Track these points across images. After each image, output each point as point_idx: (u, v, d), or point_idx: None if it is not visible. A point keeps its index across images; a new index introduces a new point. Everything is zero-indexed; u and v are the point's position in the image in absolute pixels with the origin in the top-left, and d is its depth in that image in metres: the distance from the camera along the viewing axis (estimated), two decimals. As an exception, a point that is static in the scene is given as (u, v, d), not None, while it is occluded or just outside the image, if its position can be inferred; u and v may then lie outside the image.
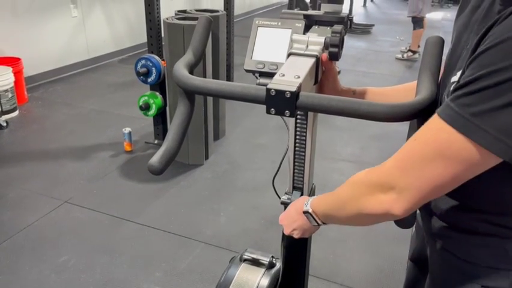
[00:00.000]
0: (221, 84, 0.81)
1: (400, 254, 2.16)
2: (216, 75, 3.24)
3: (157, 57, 3.05)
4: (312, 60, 0.82)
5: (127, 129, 3.23)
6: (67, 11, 4.78)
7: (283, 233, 1.16)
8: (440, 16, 9.87)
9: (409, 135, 0.89)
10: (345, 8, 6.97)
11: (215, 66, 3.19)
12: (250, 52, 0.91)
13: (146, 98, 3.15)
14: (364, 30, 7.99)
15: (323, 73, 0.93)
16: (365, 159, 3.31)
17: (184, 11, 3.23)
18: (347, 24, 0.93)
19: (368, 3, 11.70)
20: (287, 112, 0.73)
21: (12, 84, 3.74)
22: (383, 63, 6.06)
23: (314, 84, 0.88)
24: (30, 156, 3.15)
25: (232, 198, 2.73)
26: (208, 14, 3.08)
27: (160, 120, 3.34)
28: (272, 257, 1.28)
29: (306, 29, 0.92)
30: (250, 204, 2.65)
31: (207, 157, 3.16)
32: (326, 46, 0.85)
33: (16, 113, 3.82)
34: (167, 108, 3.21)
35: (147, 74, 3.06)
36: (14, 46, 4.21)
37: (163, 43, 3.10)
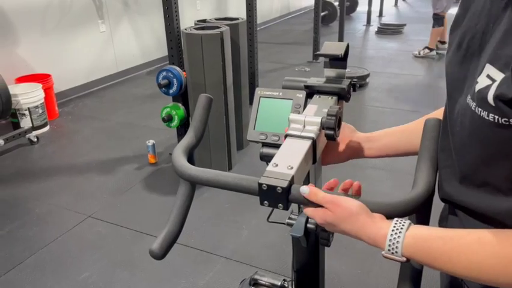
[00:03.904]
0: (216, 175, 0.81)
1: (435, 272, 2.00)
2: (237, 84, 3.18)
3: (178, 69, 3.03)
4: (308, 143, 0.81)
5: (150, 142, 3.23)
6: (95, 27, 4.89)
7: (293, 256, 1.08)
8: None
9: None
10: (375, 10, 6.73)
11: (236, 75, 3.14)
12: (252, 123, 0.93)
13: (168, 109, 3.13)
14: (395, 30, 7.75)
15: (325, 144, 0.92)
16: (397, 166, 3.14)
17: (204, 21, 3.20)
18: (350, 91, 0.93)
19: (400, 2, 11.38)
20: (280, 206, 0.72)
21: (42, 101, 3.83)
22: (415, 64, 5.83)
23: (313, 163, 0.85)
24: (58, 171, 3.20)
25: (255, 210, 2.64)
26: (227, 23, 3.04)
27: (183, 131, 3.31)
28: (284, 280, 1.19)
29: (309, 96, 0.93)
30: (273, 216, 2.55)
31: (230, 167, 3.10)
32: (323, 127, 0.83)
33: (47, 128, 3.92)
34: (190, 119, 3.18)
35: (168, 85, 3.04)
36: (44, 63, 4.34)
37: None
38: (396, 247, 0.65)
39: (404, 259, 0.65)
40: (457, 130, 0.70)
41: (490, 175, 0.64)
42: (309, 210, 0.73)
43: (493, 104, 0.58)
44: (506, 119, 0.57)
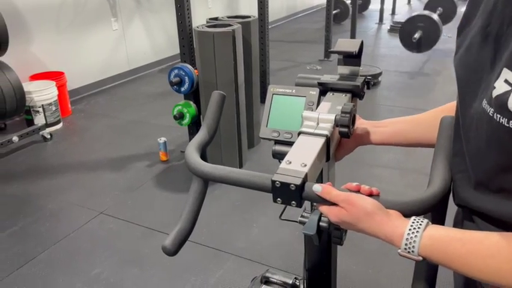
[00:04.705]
0: (229, 172, 0.80)
1: (450, 273, 1.98)
2: (248, 82, 3.18)
3: (189, 66, 3.03)
4: (322, 140, 0.80)
5: (162, 139, 3.24)
6: (108, 25, 4.92)
7: (304, 254, 1.07)
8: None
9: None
10: (387, 8, 6.59)
11: (247, 73, 3.13)
12: (265, 120, 0.93)
13: (180, 107, 3.13)
14: (408, 28, 7.65)
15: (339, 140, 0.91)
16: (409, 165, 3.11)
17: (216, 19, 3.20)
18: (364, 89, 0.92)
19: (413, 0, 11.26)
20: (293, 203, 0.72)
21: (55, 98, 3.87)
22: (428, 63, 5.77)
23: (326, 161, 0.84)
24: (70, 167, 3.23)
25: (266, 208, 2.63)
26: (239, 21, 3.03)
27: (195, 129, 3.32)
28: (295, 278, 1.19)
29: (322, 93, 0.92)
30: (284, 214, 2.54)
31: (241, 165, 3.10)
32: (337, 124, 0.82)
33: (60, 125, 3.95)
34: (201, 117, 3.19)
35: (180, 83, 3.04)
36: (58, 60, 4.38)
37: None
38: (413, 246, 0.64)
39: (420, 258, 0.64)
40: (471, 135, 0.68)
41: (507, 181, 0.63)
42: (323, 208, 0.72)
43: None
44: None
